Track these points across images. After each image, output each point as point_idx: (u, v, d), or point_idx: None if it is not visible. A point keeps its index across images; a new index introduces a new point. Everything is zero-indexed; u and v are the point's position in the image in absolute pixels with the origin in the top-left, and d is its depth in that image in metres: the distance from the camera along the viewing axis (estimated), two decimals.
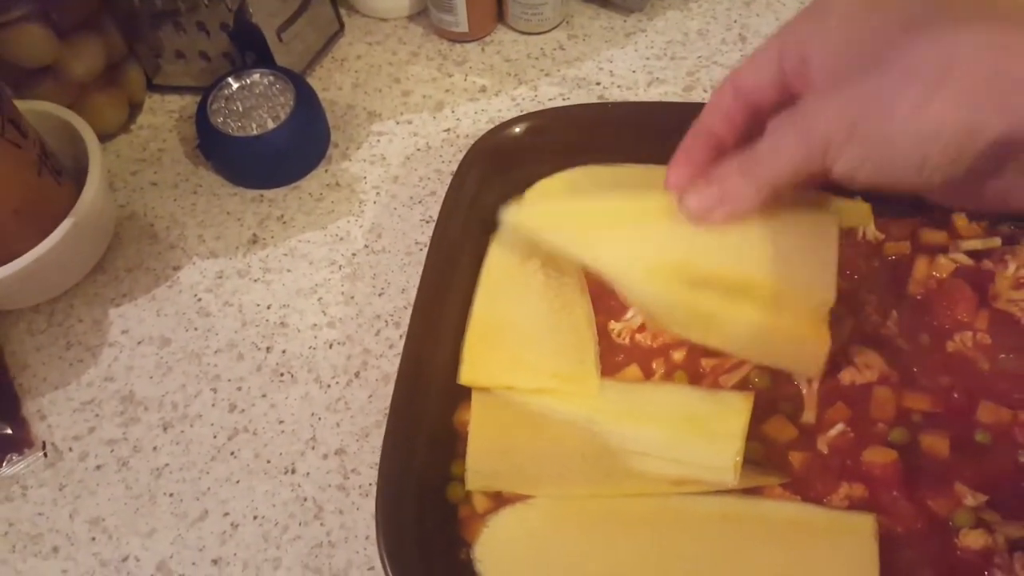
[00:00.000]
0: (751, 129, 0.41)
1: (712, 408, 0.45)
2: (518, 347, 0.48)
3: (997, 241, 0.51)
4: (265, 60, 0.62)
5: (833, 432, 0.45)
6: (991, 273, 0.50)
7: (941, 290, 0.50)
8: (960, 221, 0.52)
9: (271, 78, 0.60)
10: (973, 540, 0.42)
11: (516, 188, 0.54)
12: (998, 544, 0.42)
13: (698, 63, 0.65)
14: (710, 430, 0.44)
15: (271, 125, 0.58)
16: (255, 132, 0.58)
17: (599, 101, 0.62)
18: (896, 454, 0.44)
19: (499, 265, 0.51)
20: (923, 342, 0.48)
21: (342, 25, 0.68)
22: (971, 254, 0.51)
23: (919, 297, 0.50)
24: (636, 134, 0.53)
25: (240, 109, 0.59)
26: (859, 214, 0.52)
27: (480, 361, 0.47)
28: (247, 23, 0.60)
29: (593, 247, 0.46)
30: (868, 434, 0.45)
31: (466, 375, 0.47)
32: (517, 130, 0.53)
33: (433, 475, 0.45)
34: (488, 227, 0.52)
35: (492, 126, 0.54)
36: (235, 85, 0.60)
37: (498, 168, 0.53)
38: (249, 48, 0.62)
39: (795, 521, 0.43)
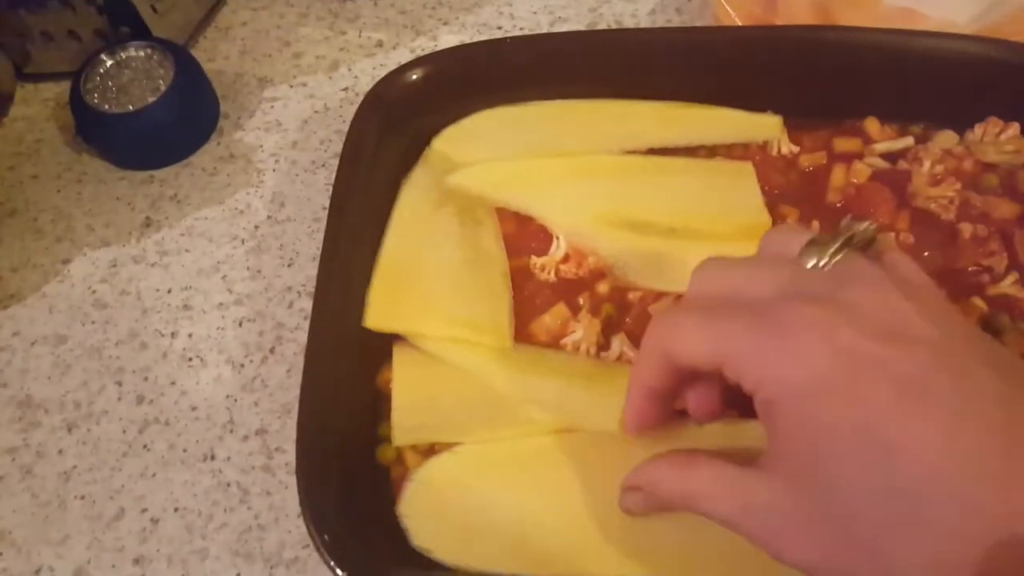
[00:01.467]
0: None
1: (607, 373, 0.44)
2: (429, 293, 0.46)
3: (910, 140, 0.50)
4: (141, 35, 0.58)
5: None
6: (908, 173, 0.49)
7: (860, 195, 0.49)
8: (872, 126, 0.51)
9: (148, 51, 0.56)
10: None
11: (419, 136, 0.51)
12: None
13: None
14: (600, 391, 0.43)
15: (151, 99, 0.54)
16: (134, 108, 0.54)
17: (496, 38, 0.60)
18: None
19: (411, 210, 0.49)
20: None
21: None
22: (886, 157, 0.50)
23: (839, 204, 0.49)
24: (536, 70, 0.51)
25: (117, 87, 0.55)
26: (771, 127, 0.51)
27: (387, 305, 0.45)
28: None
29: (542, 203, 0.49)
30: None
31: (372, 319, 0.45)
32: (413, 76, 0.51)
33: (360, 439, 0.43)
34: (395, 176, 0.49)
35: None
36: (109, 62, 0.56)
37: (399, 114, 0.50)
38: (123, 23, 0.58)
39: None
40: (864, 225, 0.33)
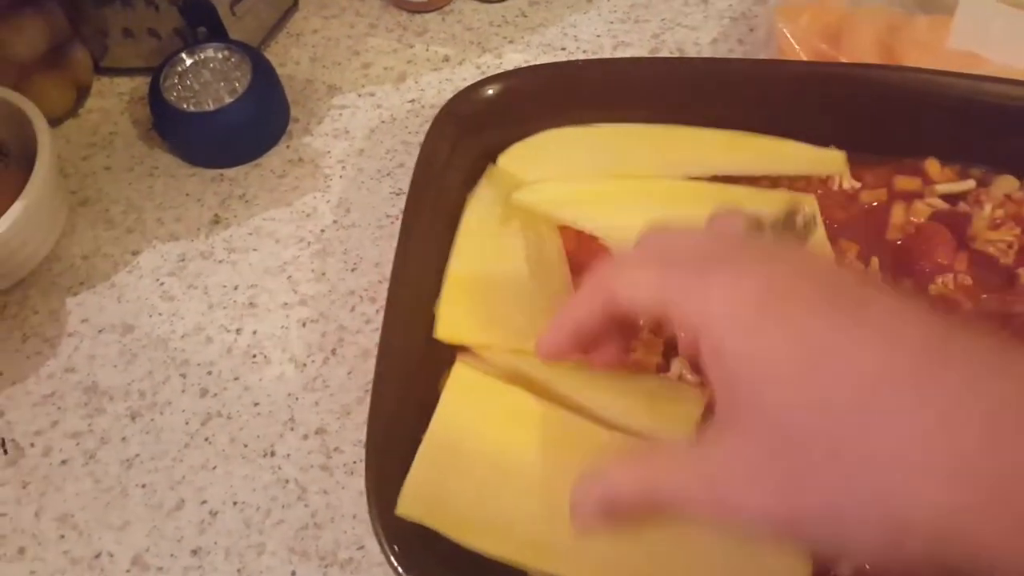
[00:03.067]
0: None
1: (670, 392, 0.44)
2: (497, 305, 0.47)
3: (971, 183, 0.51)
4: (218, 36, 0.60)
5: None
6: (967, 215, 0.50)
7: (920, 235, 0.50)
8: (932, 167, 0.52)
9: (225, 52, 0.58)
10: None
11: (487, 152, 0.52)
12: None
13: (662, 25, 0.64)
14: (664, 411, 0.43)
15: (228, 99, 0.56)
16: (211, 107, 0.55)
17: (567, 60, 0.61)
18: None
19: (477, 225, 0.50)
20: (906, 287, 0.48)
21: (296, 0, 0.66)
22: (946, 198, 0.51)
23: (899, 243, 0.50)
24: (605, 92, 0.53)
25: (195, 86, 0.57)
26: (834, 162, 0.52)
27: (457, 317, 0.46)
28: None
29: (606, 223, 0.49)
30: None
31: (442, 330, 0.46)
32: (486, 93, 0.52)
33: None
34: (461, 193, 0.50)
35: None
36: (188, 61, 0.58)
37: (468, 132, 0.51)
38: (201, 23, 0.60)
39: None
40: (804, 211, 0.36)
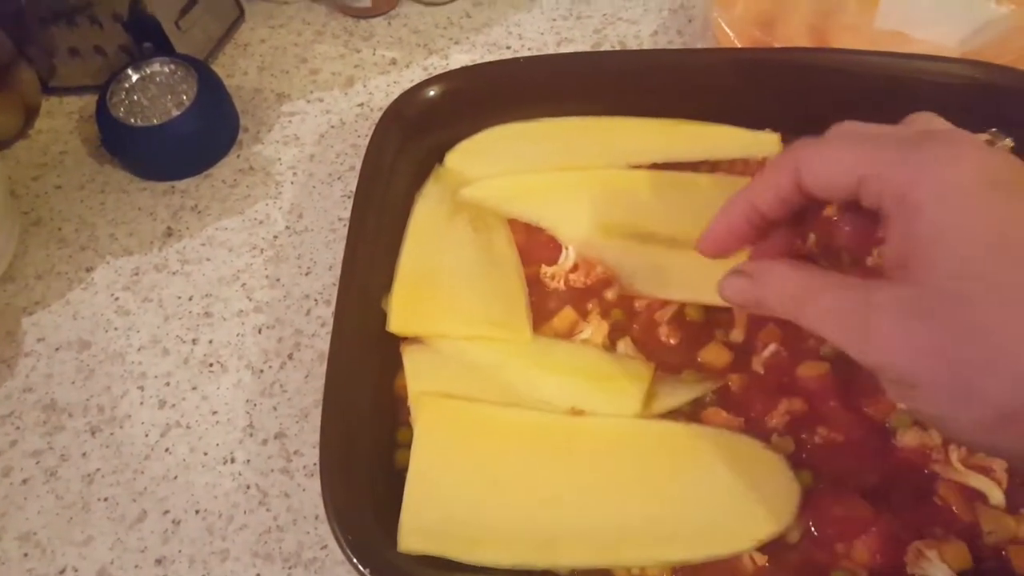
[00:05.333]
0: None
1: (617, 369, 0.45)
2: (448, 295, 0.48)
3: None
4: (164, 51, 0.60)
5: (766, 353, 0.46)
6: None
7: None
8: None
9: (172, 67, 0.58)
10: (910, 439, 0.43)
11: (433, 152, 0.53)
12: (933, 439, 0.43)
13: (603, 20, 0.65)
14: (612, 388, 0.45)
15: (175, 112, 0.56)
16: (159, 121, 0.56)
17: (509, 58, 0.62)
18: (828, 366, 0.45)
19: (426, 220, 0.51)
20: (844, 260, 0.50)
21: (242, 11, 0.67)
22: None
23: (835, 218, 0.51)
24: (547, 86, 0.54)
25: (142, 101, 0.57)
26: (768, 144, 0.53)
27: (409, 310, 0.47)
28: (143, 13, 0.58)
29: (551, 215, 0.51)
30: (800, 350, 0.46)
31: (395, 323, 0.46)
32: (430, 92, 0.53)
33: (379, 444, 0.44)
34: (409, 193, 0.51)
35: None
36: (135, 77, 0.58)
37: (414, 131, 0.52)
38: (147, 39, 0.60)
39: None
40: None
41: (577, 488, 0.42)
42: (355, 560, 0.38)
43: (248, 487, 0.47)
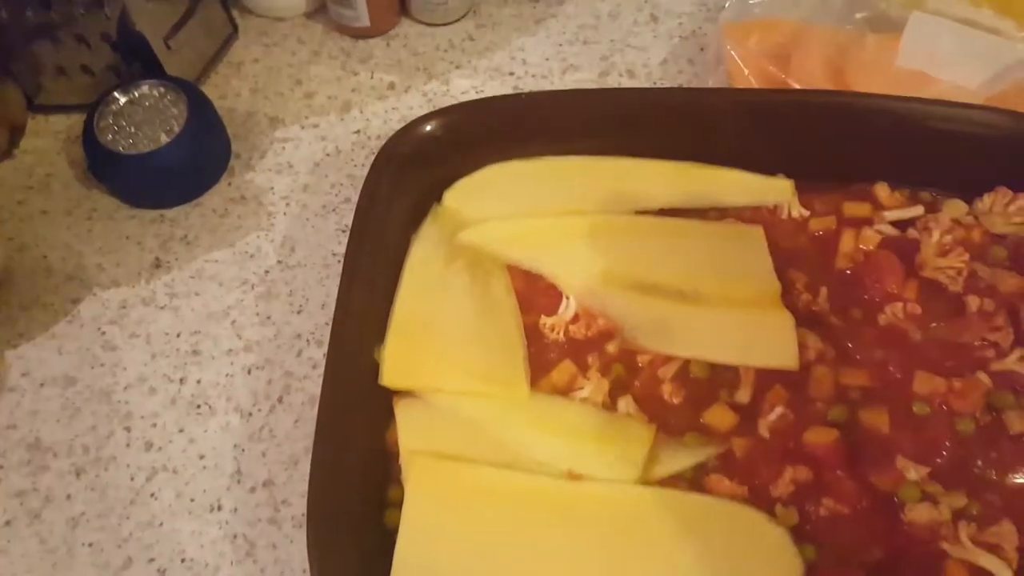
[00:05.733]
0: None
1: (617, 432, 0.44)
2: (444, 348, 0.46)
3: (920, 209, 0.51)
4: (153, 70, 0.58)
5: (773, 416, 0.45)
6: (917, 242, 0.50)
7: (869, 263, 0.49)
8: (881, 191, 0.52)
9: (161, 89, 0.56)
10: (919, 514, 0.41)
11: (432, 188, 0.52)
12: (943, 515, 0.41)
13: (611, 47, 0.63)
14: (611, 452, 0.43)
15: (164, 140, 0.54)
16: (147, 148, 0.54)
17: (512, 92, 0.60)
18: (837, 433, 0.44)
19: (422, 266, 0.49)
20: (855, 317, 0.48)
21: (235, 28, 0.65)
22: (896, 224, 0.51)
23: (848, 272, 0.50)
24: (551, 124, 0.52)
25: (130, 125, 0.55)
26: (780, 191, 0.51)
27: (403, 362, 0.46)
28: (131, 31, 0.56)
29: (551, 262, 0.49)
30: (808, 414, 0.45)
31: (388, 376, 0.45)
32: (428, 128, 0.51)
33: (369, 502, 0.43)
34: (405, 232, 0.50)
35: (403, 124, 0.52)
36: (123, 100, 0.56)
37: (412, 168, 0.50)
38: (135, 58, 0.58)
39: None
40: None
41: (572, 557, 0.41)
42: None
43: (235, 536, 0.46)
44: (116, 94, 0.56)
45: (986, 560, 0.41)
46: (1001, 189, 0.51)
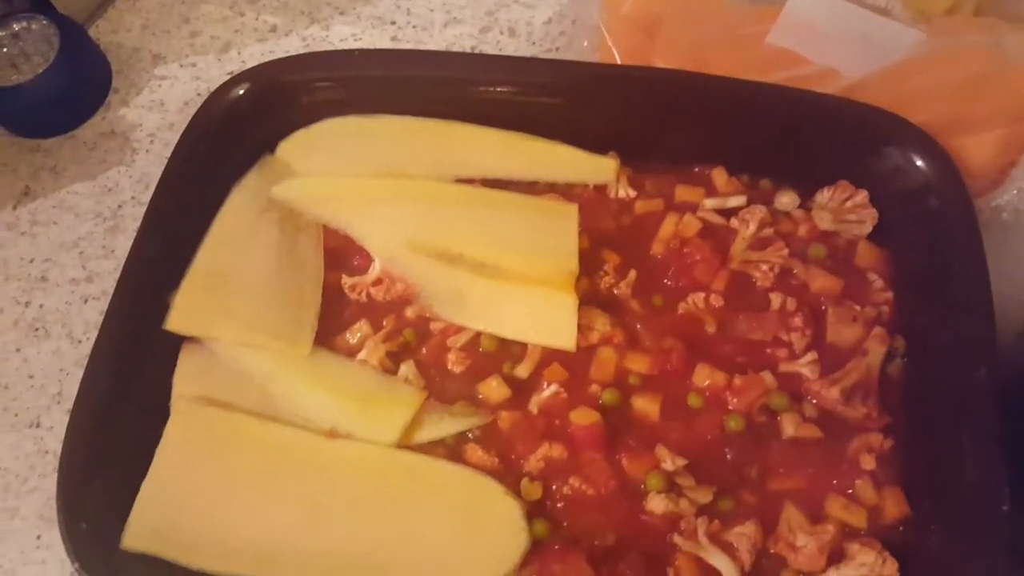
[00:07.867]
0: None
1: (385, 395, 0.45)
2: (236, 298, 0.47)
3: (742, 199, 0.49)
4: (42, 4, 0.60)
5: (546, 393, 0.45)
6: (735, 233, 0.48)
7: (683, 250, 0.48)
8: (719, 177, 0.50)
9: (43, 23, 0.58)
10: (656, 505, 0.41)
11: (267, 140, 0.52)
12: (683, 508, 0.41)
13: (499, 2, 0.62)
14: (375, 414, 0.44)
15: (39, 71, 0.56)
16: (16, 80, 0.56)
17: (378, 47, 0.60)
18: (599, 416, 0.43)
19: (234, 215, 0.50)
20: (655, 303, 0.47)
21: None
22: (723, 212, 0.49)
23: (660, 257, 0.48)
24: (385, 83, 0.51)
25: (8, 59, 0.57)
26: (605, 170, 0.50)
27: (192, 309, 0.46)
28: None
29: (359, 224, 0.49)
30: (581, 395, 0.45)
31: (173, 321, 0.46)
32: (257, 80, 0.51)
33: (141, 441, 0.44)
34: (227, 182, 0.50)
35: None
36: (1, 32, 0.58)
37: (240, 119, 0.51)
38: None
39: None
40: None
41: (310, 510, 0.42)
42: (69, 548, 0.39)
43: (47, 452, 0.49)
44: None
45: (717, 559, 0.40)
46: (842, 183, 0.49)
